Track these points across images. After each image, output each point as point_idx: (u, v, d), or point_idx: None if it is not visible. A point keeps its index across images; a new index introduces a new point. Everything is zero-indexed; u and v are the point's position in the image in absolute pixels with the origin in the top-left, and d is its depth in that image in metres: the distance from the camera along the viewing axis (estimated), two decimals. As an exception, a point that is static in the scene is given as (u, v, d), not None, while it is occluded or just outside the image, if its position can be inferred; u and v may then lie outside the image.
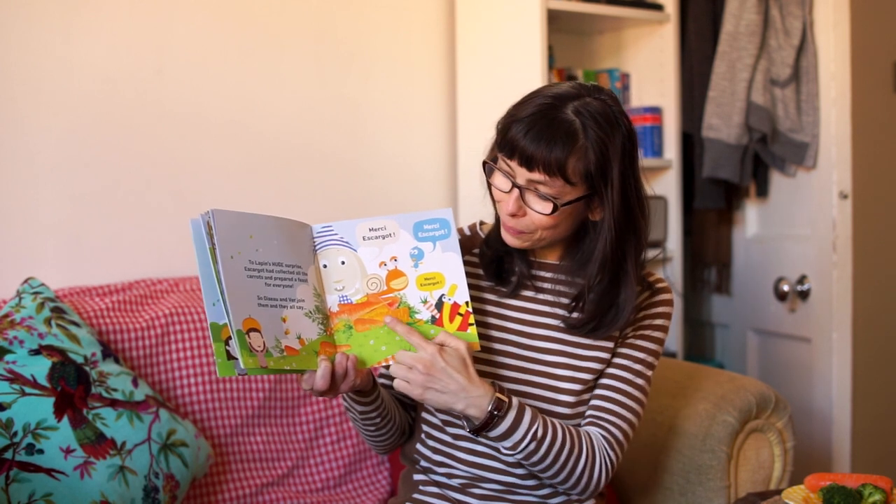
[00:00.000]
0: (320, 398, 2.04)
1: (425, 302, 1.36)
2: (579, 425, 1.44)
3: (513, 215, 1.35)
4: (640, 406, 1.45)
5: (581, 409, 1.45)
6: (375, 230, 1.38)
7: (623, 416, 1.43)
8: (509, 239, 1.40)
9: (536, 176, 1.31)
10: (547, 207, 1.33)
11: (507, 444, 1.34)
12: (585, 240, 1.42)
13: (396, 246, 1.38)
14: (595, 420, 1.43)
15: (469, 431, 1.35)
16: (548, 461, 1.35)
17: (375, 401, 1.44)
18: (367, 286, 1.37)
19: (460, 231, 1.56)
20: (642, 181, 1.40)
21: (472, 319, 1.37)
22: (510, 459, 1.40)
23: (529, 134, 1.30)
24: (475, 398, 1.31)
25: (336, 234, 1.38)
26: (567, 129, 1.30)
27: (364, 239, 1.38)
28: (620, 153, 1.33)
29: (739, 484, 1.81)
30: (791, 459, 1.87)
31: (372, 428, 1.49)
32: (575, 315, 1.43)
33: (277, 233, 1.32)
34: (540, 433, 1.34)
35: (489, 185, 1.42)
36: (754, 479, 1.83)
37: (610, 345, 1.45)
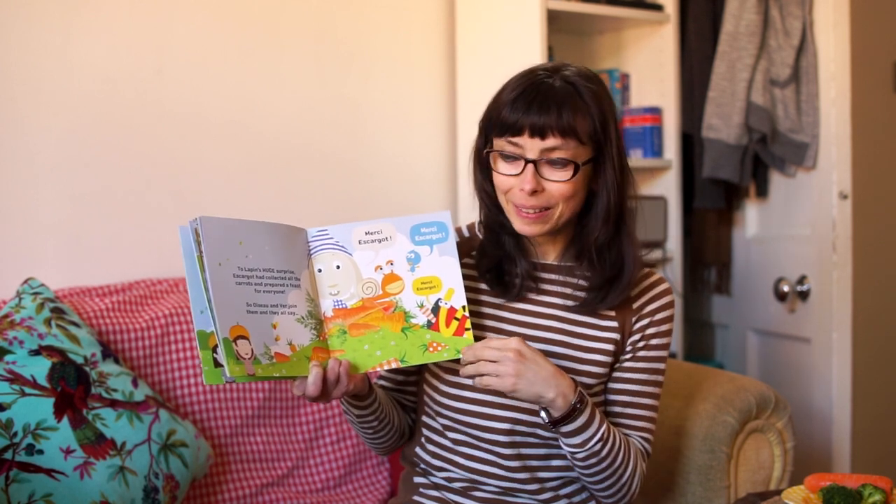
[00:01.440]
0: (319, 400, 2.04)
1: (421, 306, 1.35)
2: None
3: (532, 192, 1.34)
4: (656, 413, 1.49)
5: None
6: (372, 234, 1.37)
7: (649, 428, 1.46)
8: (526, 227, 1.38)
9: (551, 142, 1.32)
10: (566, 173, 1.33)
11: (577, 440, 1.32)
12: (585, 224, 1.42)
13: (393, 250, 1.36)
14: (630, 433, 1.45)
15: (548, 422, 1.32)
16: (604, 463, 1.35)
17: (372, 405, 1.44)
18: (363, 290, 1.35)
19: (458, 231, 1.55)
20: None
21: (468, 324, 1.35)
22: (577, 456, 1.35)
23: (534, 105, 1.32)
24: (564, 387, 1.29)
25: (331, 238, 1.36)
26: (566, 92, 1.33)
27: (360, 243, 1.36)
28: (612, 111, 1.37)
29: (739, 484, 1.81)
30: (791, 459, 1.87)
31: (370, 431, 1.49)
32: (582, 283, 1.43)
33: (269, 238, 1.31)
34: (606, 435, 1.34)
35: (489, 179, 1.42)
36: (754, 479, 1.82)
37: (611, 347, 1.45)
